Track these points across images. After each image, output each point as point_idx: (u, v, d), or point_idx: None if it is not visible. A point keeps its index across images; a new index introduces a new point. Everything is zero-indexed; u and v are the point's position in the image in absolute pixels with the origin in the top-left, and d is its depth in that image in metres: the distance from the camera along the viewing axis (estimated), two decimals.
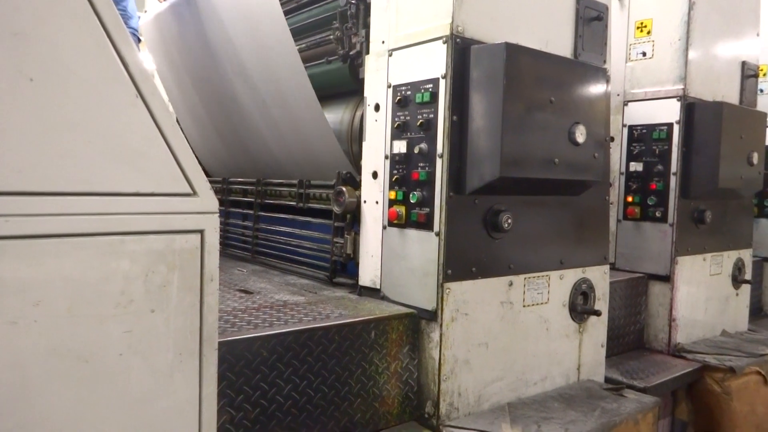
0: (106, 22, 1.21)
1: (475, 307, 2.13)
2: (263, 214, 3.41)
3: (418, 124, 2.14)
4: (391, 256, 2.30)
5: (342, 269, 2.75)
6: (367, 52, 2.46)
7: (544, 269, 2.35)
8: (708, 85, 3.36)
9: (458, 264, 2.08)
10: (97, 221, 1.19)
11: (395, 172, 2.27)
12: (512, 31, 2.20)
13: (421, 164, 2.15)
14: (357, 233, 2.51)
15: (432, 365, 2.10)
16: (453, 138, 2.07)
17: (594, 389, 2.43)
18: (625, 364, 3.03)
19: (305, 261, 3.00)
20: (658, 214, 3.26)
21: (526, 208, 2.26)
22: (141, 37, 5.15)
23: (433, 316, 2.09)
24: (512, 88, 1.99)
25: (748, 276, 3.73)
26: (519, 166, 2.04)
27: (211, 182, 1.39)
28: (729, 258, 3.58)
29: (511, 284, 2.24)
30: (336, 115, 3.03)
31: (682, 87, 3.22)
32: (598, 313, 2.52)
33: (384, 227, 2.33)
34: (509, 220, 2.14)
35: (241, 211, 3.64)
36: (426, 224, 2.12)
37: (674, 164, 3.21)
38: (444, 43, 2.07)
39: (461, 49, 2.07)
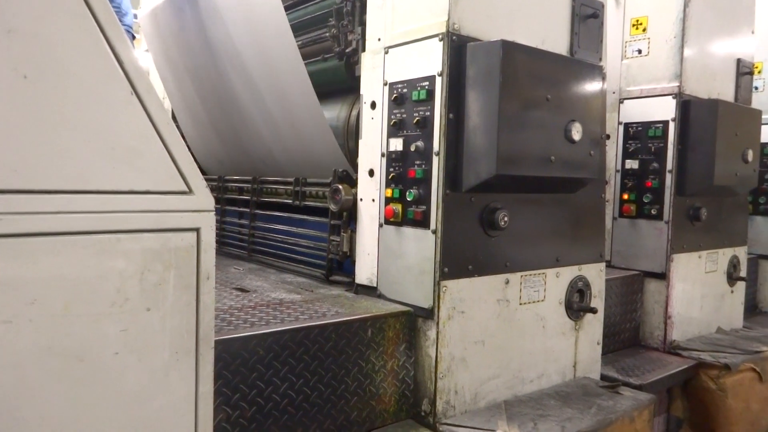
0: (100, 19, 1.20)
1: (472, 305, 2.14)
2: (259, 212, 3.41)
3: (415, 121, 2.14)
4: (387, 254, 2.30)
5: (338, 267, 2.74)
6: (363, 50, 2.45)
7: (540, 267, 2.36)
8: (703, 83, 3.36)
9: (455, 262, 2.08)
10: (92, 219, 1.19)
11: (392, 169, 2.26)
12: (508, 28, 2.20)
13: (418, 162, 2.15)
14: (353, 231, 2.51)
15: (428, 363, 2.10)
16: (449, 136, 2.07)
17: (590, 387, 2.44)
18: (621, 362, 3.04)
19: (301, 259, 2.99)
20: (653, 212, 3.27)
21: (522, 205, 2.26)
22: (136, 35, 5.12)
23: (429, 314, 2.09)
24: (508, 86, 1.99)
25: (743, 273, 3.74)
26: (515, 163, 2.04)
27: (207, 180, 1.38)
28: (724, 255, 3.60)
29: (507, 282, 2.24)
30: (332, 113, 3.02)
31: (677, 84, 3.23)
32: (594, 311, 2.52)
33: (380, 225, 2.32)
34: (505, 218, 2.14)
35: (237, 209, 3.64)
36: (422, 222, 2.12)
37: (670, 162, 3.22)
38: (440, 40, 2.06)
39: (457, 47, 2.07)
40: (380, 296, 2.32)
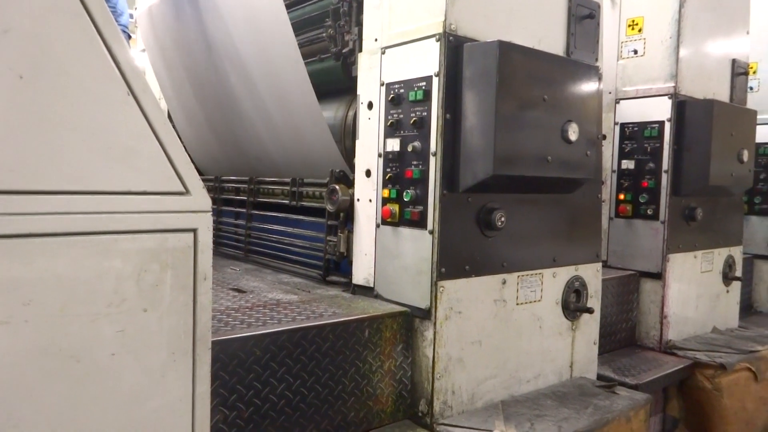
0: (97, 19, 1.20)
1: (469, 305, 2.14)
2: (256, 212, 3.40)
3: (412, 122, 2.14)
4: (384, 254, 2.30)
5: (335, 268, 2.74)
6: (360, 50, 2.45)
7: (537, 267, 2.36)
8: (699, 83, 3.37)
9: (452, 262, 2.09)
10: (89, 220, 1.18)
11: (389, 170, 2.27)
12: (505, 28, 2.20)
13: (415, 162, 2.15)
14: (350, 231, 2.51)
15: (426, 363, 2.10)
16: (446, 136, 2.07)
17: (586, 387, 2.44)
18: (617, 362, 3.05)
19: (298, 259, 2.99)
20: (649, 212, 3.28)
21: (519, 206, 2.26)
22: (132, 35, 5.11)
23: (426, 314, 2.09)
24: (505, 86, 1.99)
25: (738, 273, 3.76)
26: (512, 163, 2.04)
27: (203, 180, 1.38)
28: (720, 255, 3.61)
29: (504, 282, 2.24)
30: (329, 113, 3.02)
31: (673, 85, 3.24)
32: (590, 311, 2.53)
33: (377, 225, 2.32)
34: (502, 218, 2.14)
35: (233, 209, 3.63)
36: (419, 222, 2.12)
37: (665, 162, 3.23)
38: (437, 41, 2.07)
39: (454, 47, 2.07)
40: (377, 296, 2.32)
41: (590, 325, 2.63)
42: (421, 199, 2.12)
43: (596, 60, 2.55)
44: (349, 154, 2.76)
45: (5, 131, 1.09)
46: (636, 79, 3.41)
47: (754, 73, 4.63)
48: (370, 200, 2.36)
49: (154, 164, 1.28)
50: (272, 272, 3.02)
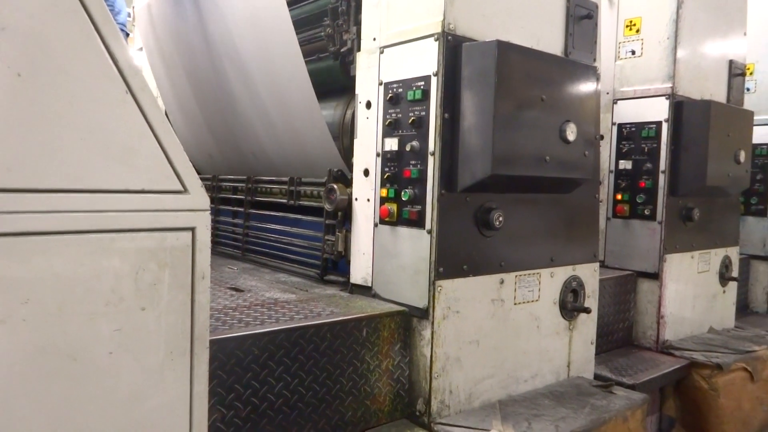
0: (95, 17, 1.19)
1: (467, 304, 2.14)
2: (253, 211, 3.40)
3: (410, 121, 2.14)
4: (382, 253, 2.30)
5: (333, 267, 2.74)
6: (359, 50, 2.45)
7: (534, 267, 2.36)
8: (696, 84, 3.38)
9: (450, 262, 2.09)
10: (86, 218, 1.18)
11: (387, 169, 2.26)
12: (503, 28, 2.21)
13: (413, 162, 2.15)
14: (348, 231, 2.51)
15: (423, 363, 2.10)
16: (445, 135, 2.07)
17: (584, 386, 2.45)
18: (614, 361, 3.05)
19: (296, 259, 2.99)
20: (646, 212, 3.28)
21: (517, 205, 2.27)
22: (129, 33, 5.10)
23: (424, 313, 2.09)
24: (504, 86, 1.99)
25: (735, 273, 3.77)
26: (510, 163, 2.04)
27: (200, 179, 1.38)
28: (716, 255, 3.62)
29: (502, 282, 2.24)
30: (327, 113, 3.02)
31: (670, 85, 3.24)
32: (588, 311, 2.53)
33: (375, 225, 2.32)
34: (500, 218, 2.14)
35: (231, 208, 3.63)
36: (418, 222, 2.12)
37: (663, 162, 3.24)
38: (435, 40, 2.07)
39: (453, 47, 2.07)
40: (375, 296, 2.32)
41: (587, 325, 2.63)
42: (420, 199, 2.12)
43: (594, 60, 2.55)
44: (347, 154, 2.76)
45: (3, 129, 1.09)
46: (633, 80, 3.42)
47: (751, 74, 4.64)
48: (368, 200, 2.36)
49: (152, 163, 1.28)
50: (270, 271, 3.02)
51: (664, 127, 3.24)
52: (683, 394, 3.12)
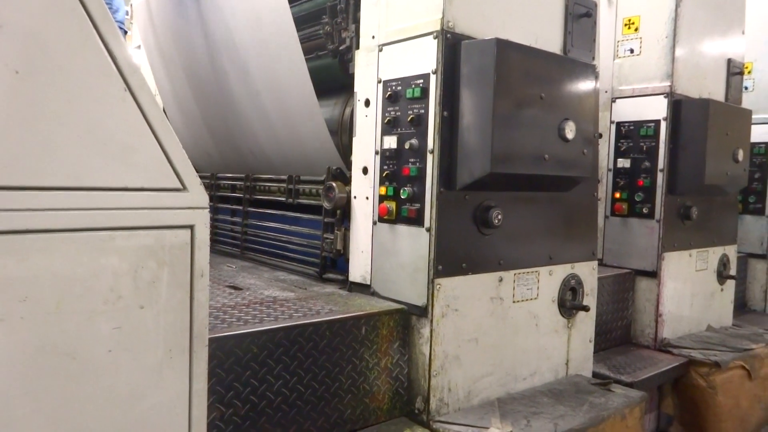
0: (93, 15, 1.19)
1: (465, 302, 2.14)
2: (252, 209, 3.39)
3: (409, 119, 2.14)
4: (381, 251, 2.30)
5: (332, 265, 2.74)
6: (357, 47, 2.45)
7: (533, 265, 2.36)
8: (694, 82, 3.39)
9: (449, 260, 2.09)
10: (85, 216, 1.18)
11: (386, 167, 2.26)
12: (502, 26, 2.20)
13: (412, 160, 2.15)
14: (347, 229, 2.51)
15: (422, 361, 2.10)
16: (443, 134, 2.07)
17: (582, 384, 2.45)
18: (613, 359, 3.06)
19: (295, 257, 2.99)
20: (645, 210, 3.29)
21: (515, 204, 2.27)
22: (128, 31, 5.09)
23: (423, 311, 2.09)
24: (503, 84, 1.99)
25: (732, 272, 3.77)
26: (509, 161, 2.04)
27: (199, 177, 1.38)
28: (714, 254, 3.63)
29: (501, 280, 2.24)
30: (325, 111, 3.01)
31: (669, 84, 3.25)
32: (586, 309, 2.53)
33: (374, 223, 2.32)
34: (499, 216, 2.14)
35: (229, 206, 3.62)
36: (416, 220, 2.12)
37: (661, 161, 3.24)
38: (435, 38, 2.06)
39: (452, 45, 2.07)
40: (374, 294, 2.32)
41: (586, 323, 2.64)
42: (418, 197, 2.12)
43: (593, 58, 2.55)
44: (346, 152, 2.76)
45: (1, 127, 1.08)
46: (632, 78, 3.42)
47: (749, 72, 4.65)
48: (367, 197, 2.36)
49: (151, 160, 1.27)
50: (269, 269, 3.02)
51: (663, 125, 3.24)
52: (681, 392, 3.12)
